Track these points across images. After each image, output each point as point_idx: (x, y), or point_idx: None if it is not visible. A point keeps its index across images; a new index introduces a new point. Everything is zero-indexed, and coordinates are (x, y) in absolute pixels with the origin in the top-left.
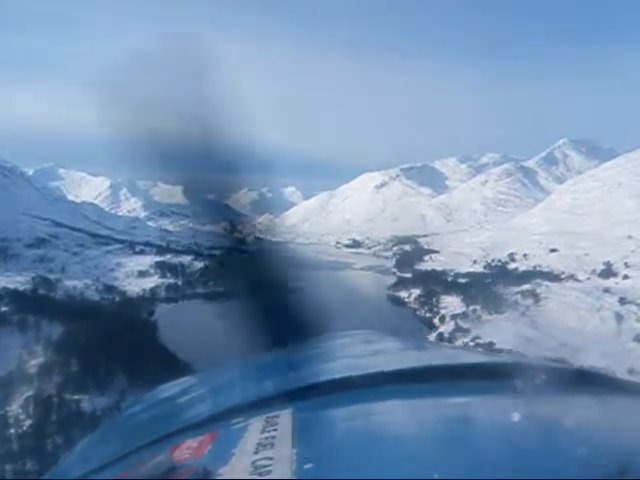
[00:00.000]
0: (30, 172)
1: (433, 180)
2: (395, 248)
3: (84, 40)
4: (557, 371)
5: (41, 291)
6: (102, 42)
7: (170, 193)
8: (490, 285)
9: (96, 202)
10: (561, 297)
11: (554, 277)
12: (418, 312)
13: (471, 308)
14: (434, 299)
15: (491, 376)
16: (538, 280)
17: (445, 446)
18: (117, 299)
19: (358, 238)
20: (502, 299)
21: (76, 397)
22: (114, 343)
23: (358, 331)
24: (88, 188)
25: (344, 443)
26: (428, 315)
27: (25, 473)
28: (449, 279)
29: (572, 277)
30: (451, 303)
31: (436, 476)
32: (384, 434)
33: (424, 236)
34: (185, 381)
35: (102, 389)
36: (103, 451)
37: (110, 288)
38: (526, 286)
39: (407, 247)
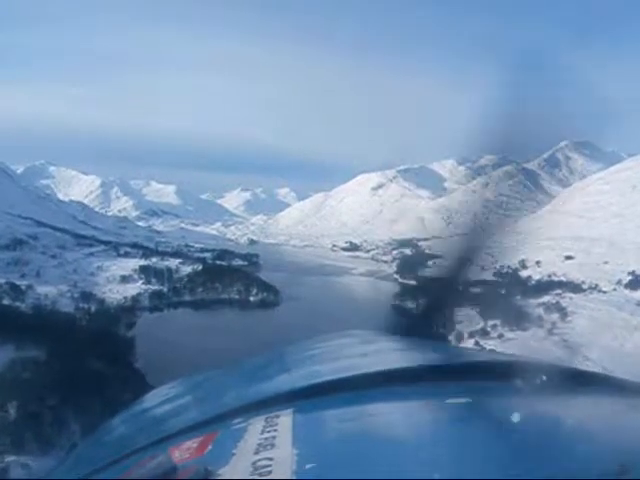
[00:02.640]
0: (20, 170)
1: (431, 182)
2: (395, 252)
3: (77, 37)
4: (557, 371)
5: (6, 301)
6: (96, 40)
7: (163, 192)
8: (507, 296)
9: (86, 201)
10: (590, 311)
11: (575, 287)
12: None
13: (490, 323)
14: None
15: (491, 376)
16: (558, 291)
17: (445, 446)
18: (93, 309)
19: (355, 241)
20: (523, 313)
21: (7, 459)
22: (73, 376)
23: (357, 331)
24: (79, 186)
25: (344, 443)
26: (441, 331)
27: None
28: (459, 288)
29: (595, 288)
30: (466, 317)
31: (436, 476)
32: (384, 434)
33: (424, 239)
34: (185, 381)
35: (46, 446)
36: (103, 451)
37: (87, 296)
38: (547, 297)
39: (407, 251)
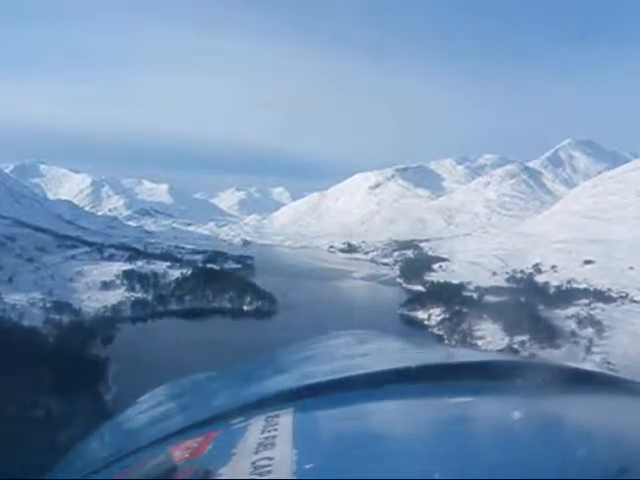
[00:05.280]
0: (10, 168)
1: (429, 181)
2: (395, 254)
3: (70, 35)
4: (557, 371)
5: None
6: (88, 38)
7: (155, 191)
8: (528, 306)
9: (76, 200)
10: (630, 326)
11: (603, 296)
12: (446, 341)
13: (517, 339)
14: (464, 325)
15: (491, 376)
16: (585, 300)
17: (445, 446)
18: (67, 321)
19: (353, 242)
20: (552, 326)
21: None
22: (13, 423)
23: (357, 331)
24: (69, 185)
25: (344, 443)
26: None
27: None
28: (474, 296)
29: (626, 297)
30: (488, 331)
31: (436, 476)
32: (384, 434)
33: (425, 240)
34: (185, 381)
35: None
36: (103, 451)
37: (62, 305)
38: (575, 308)
39: (409, 253)
